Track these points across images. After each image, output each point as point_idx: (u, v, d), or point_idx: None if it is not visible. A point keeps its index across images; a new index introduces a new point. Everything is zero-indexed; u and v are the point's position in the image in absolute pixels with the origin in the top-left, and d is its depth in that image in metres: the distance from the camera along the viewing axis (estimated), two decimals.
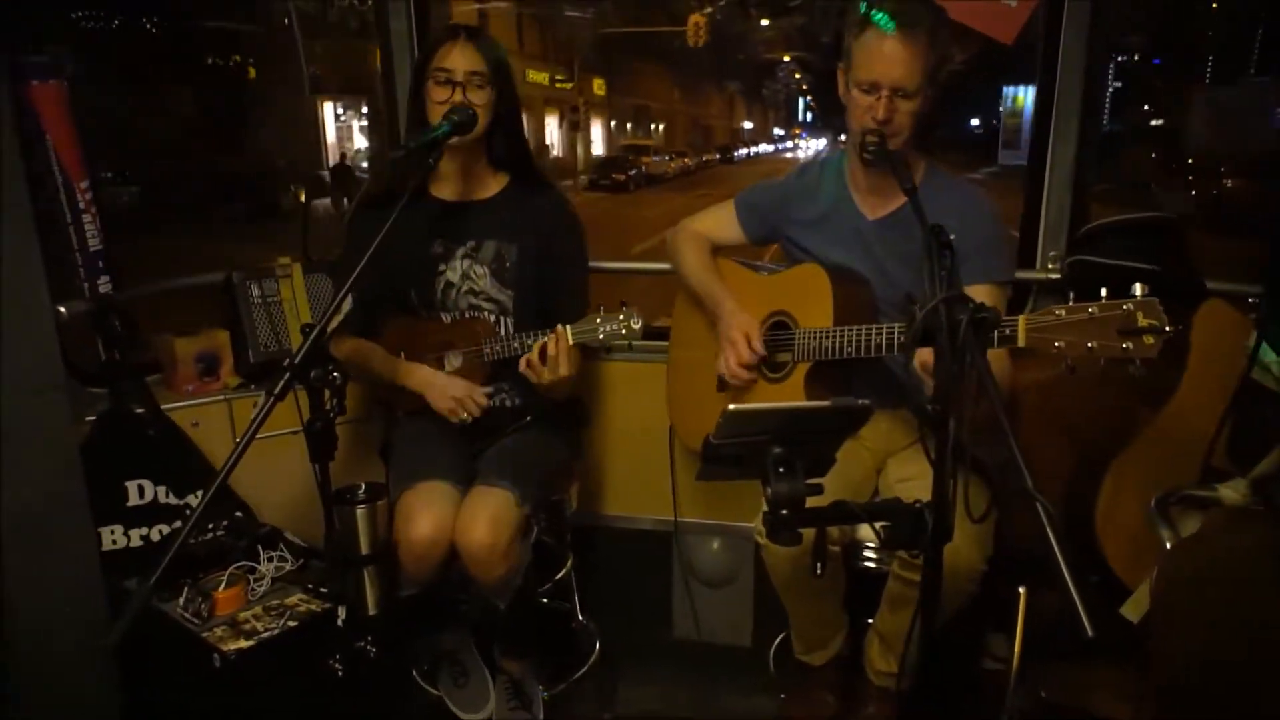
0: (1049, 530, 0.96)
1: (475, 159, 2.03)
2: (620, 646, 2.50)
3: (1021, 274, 2.34)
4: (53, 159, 2.04)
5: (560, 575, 2.33)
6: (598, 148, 29.53)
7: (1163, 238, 1.99)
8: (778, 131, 51.53)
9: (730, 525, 2.56)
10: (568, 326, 1.84)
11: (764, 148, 43.29)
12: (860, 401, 1.28)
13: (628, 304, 1.84)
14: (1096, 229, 2.13)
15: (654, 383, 2.36)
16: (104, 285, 2.17)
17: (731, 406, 1.23)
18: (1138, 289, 1.32)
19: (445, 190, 2.06)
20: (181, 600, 1.83)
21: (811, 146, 44.57)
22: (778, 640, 2.28)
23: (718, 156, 33.81)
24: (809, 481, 1.29)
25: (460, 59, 1.90)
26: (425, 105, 1.93)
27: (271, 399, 1.45)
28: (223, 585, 1.86)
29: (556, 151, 26.83)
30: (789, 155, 39.15)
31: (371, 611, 1.79)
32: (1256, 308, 1.61)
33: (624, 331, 1.80)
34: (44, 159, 2.03)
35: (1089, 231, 2.14)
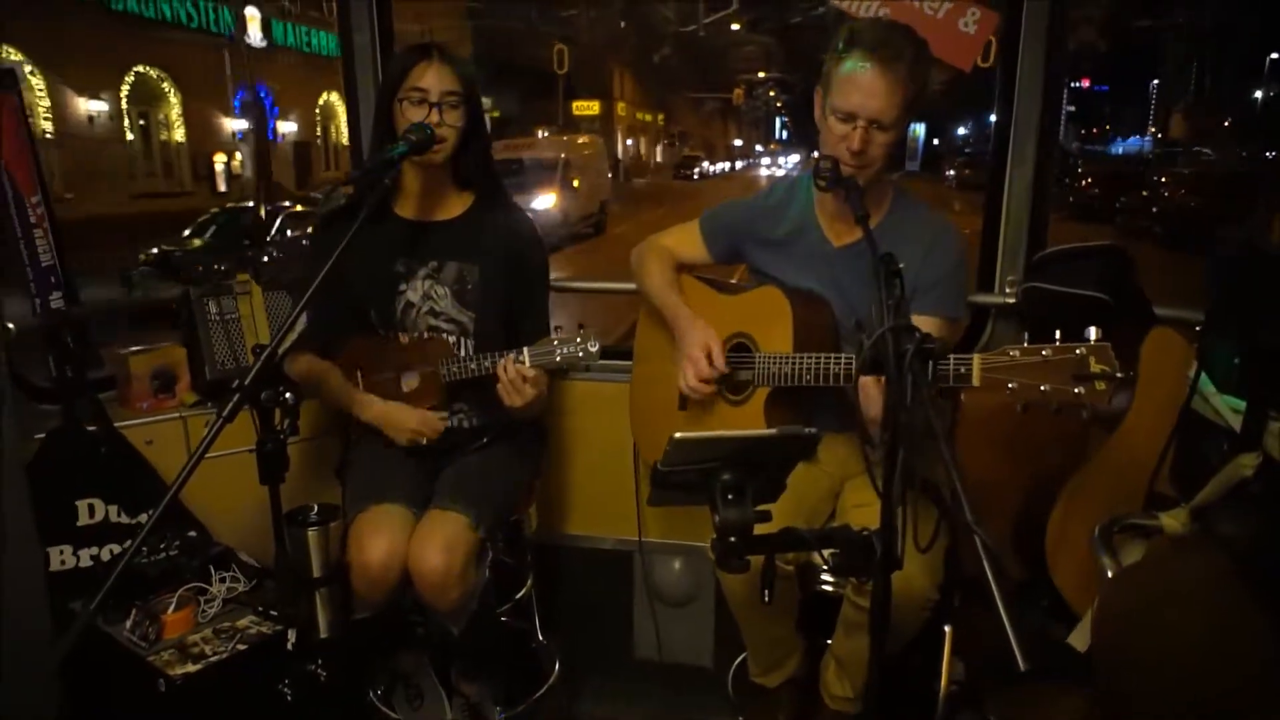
0: (986, 563, 0.97)
1: (440, 178, 2.02)
2: (580, 666, 2.49)
3: (980, 298, 2.37)
4: (3, 173, 2.01)
5: (520, 595, 2.32)
6: (657, 157, 48.52)
7: (1113, 265, 2.03)
8: (757, 148, 60.50)
9: (693, 545, 2.56)
10: (525, 350, 1.83)
11: (750, 162, 56.62)
12: (807, 430, 1.29)
13: (585, 326, 1.84)
14: (1048, 256, 2.16)
15: (617, 402, 2.35)
16: (56, 301, 2.13)
17: (678, 435, 1.24)
18: (1092, 333, 1.34)
19: (409, 209, 2.05)
20: (129, 623, 1.79)
21: (785, 163, 52.33)
22: (737, 661, 2.27)
23: (727, 166, 50.69)
24: (758, 508, 1.30)
25: (435, 79, 1.88)
26: (395, 124, 1.91)
27: (220, 420, 1.43)
28: (172, 607, 1.83)
29: (648, 159, 45.92)
30: (764, 171, 49.29)
31: (323, 634, 1.77)
32: (1201, 331, 1.64)
33: (581, 355, 1.81)
34: None
35: (1041, 259, 2.17)
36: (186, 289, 2.29)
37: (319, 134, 23.34)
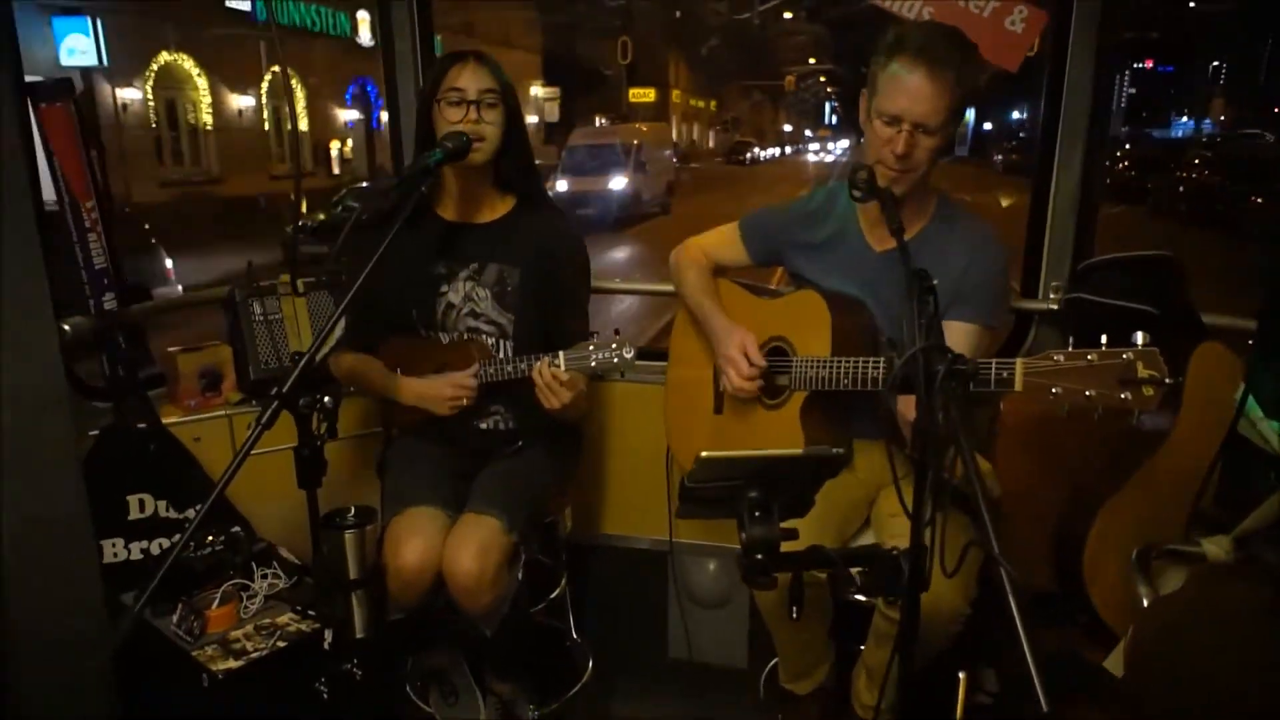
0: (1011, 600, 0.95)
1: (481, 181, 2.04)
2: (614, 665, 2.51)
3: (1023, 304, 2.32)
4: (60, 179, 2.08)
5: (554, 594, 2.34)
6: (709, 142, 50.06)
7: (1161, 276, 1.96)
8: (807, 133, 62.24)
9: (727, 547, 2.55)
10: (561, 354, 1.85)
11: (799, 148, 58.03)
12: (834, 450, 1.28)
13: (621, 332, 1.85)
14: (1094, 265, 2.10)
15: (653, 403, 2.36)
16: (109, 302, 2.20)
17: (704, 454, 1.24)
18: (1139, 337, 1.30)
19: (451, 211, 2.07)
20: (175, 618, 1.85)
21: (835, 149, 53.14)
22: (770, 665, 2.27)
23: (777, 151, 51.50)
24: (784, 526, 1.30)
25: (472, 79, 1.90)
26: (435, 127, 1.94)
27: (259, 427, 1.47)
28: (216, 603, 1.88)
29: (701, 145, 47.51)
30: (811, 157, 50.59)
31: (359, 634, 1.80)
32: (1249, 350, 1.58)
33: (616, 361, 1.82)
34: (52, 179, 2.07)
35: (1086, 268, 2.11)
36: (233, 289, 2.35)
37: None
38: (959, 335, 1.79)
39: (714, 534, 2.57)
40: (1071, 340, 1.40)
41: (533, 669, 2.20)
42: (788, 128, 61.57)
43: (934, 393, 1.19)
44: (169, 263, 8.74)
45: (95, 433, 2.16)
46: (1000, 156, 29.32)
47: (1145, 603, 1.45)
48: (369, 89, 21.79)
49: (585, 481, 2.56)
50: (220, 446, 2.32)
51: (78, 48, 13.51)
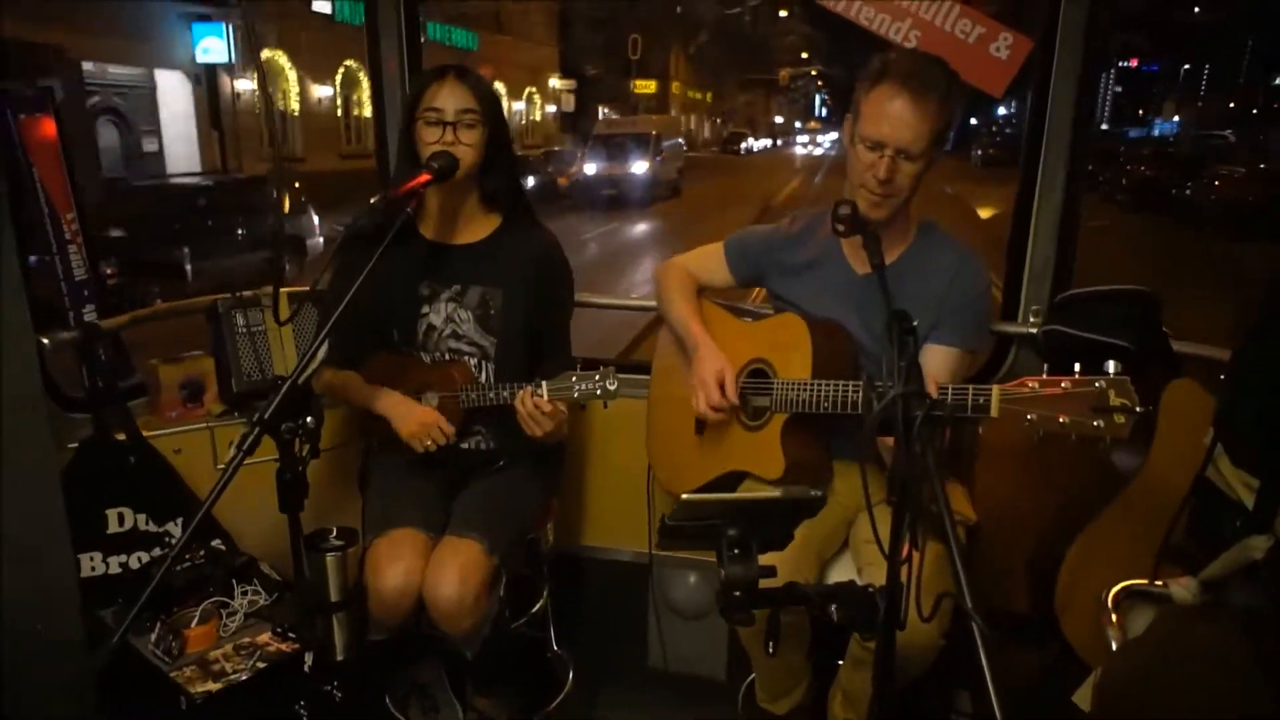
0: (981, 651, 0.97)
1: (465, 199, 2.02)
2: (595, 676, 2.52)
3: (1003, 327, 2.34)
4: (40, 190, 2.06)
5: (535, 609, 2.35)
6: (705, 133, 52.71)
7: (1138, 310, 1.98)
8: (797, 124, 66.40)
9: (708, 560, 2.55)
10: (544, 384, 1.85)
11: (790, 139, 63.26)
12: (813, 493, 1.29)
13: (605, 365, 1.86)
14: (1072, 298, 2.12)
15: (635, 417, 2.36)
16: (89, 314, 2.18)
17: (685, 496, 1.25)
18: (1111, 366, 1.34)
19: (435, 230, 2.06)
20: (153, 636, 1.84)
21: (823, 141, 57.15)
22: (747, 681, 2.29)
23: (770, 143, 55.58)
24: (763, 564, 1.31)
25: (450, 98, 1.89)
26: (416, 145, 1.93)
27: (240, 454, 1.47)
28: (195, 622, 1.88)
29: (697, 135, 48.89)
30: (799, 150, 53.99)
31: (340, 656, 1.80)
32: (1221, 387, 1.60)
33: (599, 392, 1.83)
34: (31, 191, 2.04)
35: (1064, 299, 2.13)
36: (215, 301, 2.33)
37: None
38: (939, 359, 1.82)
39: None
40: (1046, 370, 1.42)
41: (514, 681, 2.20)
42: (779, 120, 64.18)
43: (912, 439, 1.21)
44: (315, 219, 10.43)
45: (74, 445, 2.15)
46: (979, 151, 30.37)
47: (1114, 645, 1.48)
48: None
49: (567, 494, 2.57)
50: (201, 458, 2.31)
51: (211, 48, 16.59)
